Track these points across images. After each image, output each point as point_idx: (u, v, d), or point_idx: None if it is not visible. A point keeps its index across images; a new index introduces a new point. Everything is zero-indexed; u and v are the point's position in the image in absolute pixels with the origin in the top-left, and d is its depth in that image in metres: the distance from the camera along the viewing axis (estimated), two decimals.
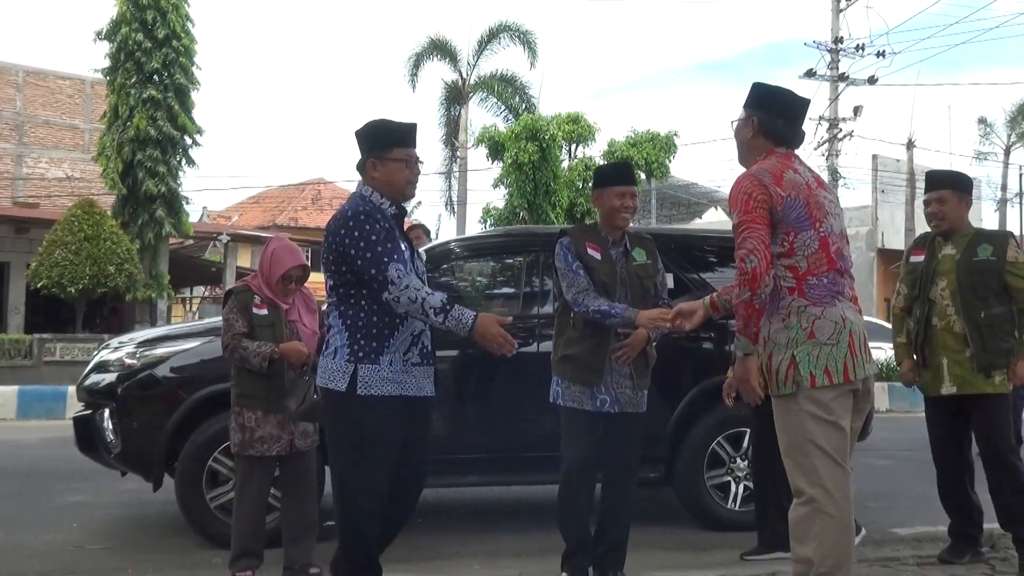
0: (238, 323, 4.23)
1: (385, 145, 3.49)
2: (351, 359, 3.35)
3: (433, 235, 8.13)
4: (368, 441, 3.36)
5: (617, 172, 4.30)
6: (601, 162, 20.63)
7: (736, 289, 3.09)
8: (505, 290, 6.06)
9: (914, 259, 4.57)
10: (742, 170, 3.29)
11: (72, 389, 11.68)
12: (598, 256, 4.01)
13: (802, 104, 3.40)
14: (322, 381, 3.42)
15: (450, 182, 27.48)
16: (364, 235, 3.33)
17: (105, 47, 20.05)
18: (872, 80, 23.60)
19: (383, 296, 3.30)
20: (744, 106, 3.37)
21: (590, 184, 21.50)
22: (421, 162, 3.59)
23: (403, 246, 3.42)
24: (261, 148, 79.98)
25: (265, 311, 4.27)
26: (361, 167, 3.53)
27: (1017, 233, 24.60)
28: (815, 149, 23.52)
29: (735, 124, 3.41)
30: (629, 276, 4.04)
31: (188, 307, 32.28)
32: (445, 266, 5.57)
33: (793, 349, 3.10)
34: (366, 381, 3.34)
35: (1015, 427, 4.50)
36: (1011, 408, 4.40)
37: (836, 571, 3.05)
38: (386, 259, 3.31)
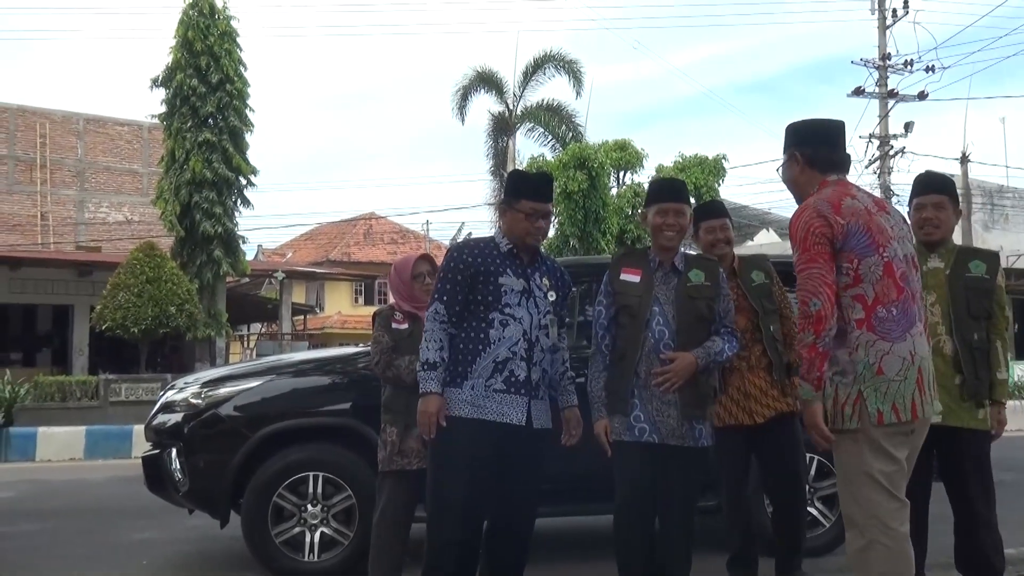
0: (384, 339, 4.35)
1: (514, 194, 3.82)
2: (444, 383, 3.67)
3: None
4: (447, 458, 3.64)
5: (661, 189, 4.12)
6: None
7: (800, 333, 3.06)
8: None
9: None
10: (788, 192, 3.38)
11: (137, 428, 11.99)
12: (635, 279, 3.86)
13: (837, 126, 3.36)
14: None
15: None
16: (440, 270, 3.81)
17: (161, 93, 20.58)
18: (922, 95, 23.36)
19: None
20: (783, 150, 3.38)
21: (639, 210, 21.89)
22: (551, 216, 3.89)
23: (518, 280, 3.73)
24: (313, 185, 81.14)
25: (405, 325, 4.39)
26: (499, 208, 3.98)
27: None
28: (866, 167, 23.32)
29: (781, 169, 3.40)
30: (678, 297, 3.82)
31: (245, 344, 32.78)
32: None
33: (860, 385, 3.04)
34: (448, 403, 3.64)
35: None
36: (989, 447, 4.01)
37: None
38: (436, 295, 3.74)
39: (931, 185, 4.11)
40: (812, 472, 5.19)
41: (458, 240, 36.55)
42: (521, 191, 3.81)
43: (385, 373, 4.31)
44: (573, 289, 5.32)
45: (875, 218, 3.15)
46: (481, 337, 3.67)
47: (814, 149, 3.28)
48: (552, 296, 3.82)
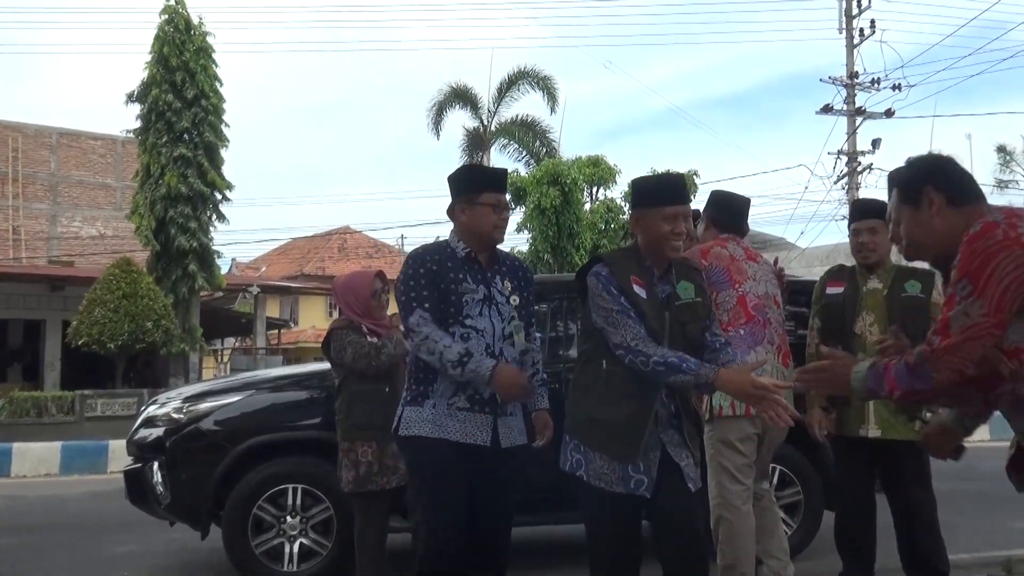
0: (360, 339, 4.33)
1: (476, 189, 3.50)
2: (403, 403, 3.49)
3: None
4: (420, 478, 3.44)
5: (666, 188, 3.22)
6: (623, 204, 20.78)
7: None
8: None
9: (831, 290, 4.34)
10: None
11: (113, 444, 12.02)
12: (643, 293, 3.10)
13: (743, 201, 4.40)
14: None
15: None
16: (404, 279, 3.43)
17: (136, 108, 20.66)
18: (889, 113, 23.77)
19: (409, 342, 3.46)
20: (703, 211, 4.39)
21: (613, 225, 22.09)
22: (511, 208, 3.71)
23: (478, 288, 3.44)
24: (287, 199, 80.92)
25: (374, 339, 4.39)
26: (451, 211, 3.56)
27: None
28: (835, 183, 23.69)
29: (698, 227, 4.37)
30: (670, 321, 3.13)
31: (219, 359, 32.69)
32: None
33: None
34: (407, 422, 3.42)
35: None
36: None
37: (735, 566, 3.87)
38: (413, 304, 3.37)
39: (866, 211, 4.31)
40: (775, 480, 5.38)
41: None
42: (483, 183, 3.54)
43: (380, 359, 4.27)
44: (543, 306, 5.44)
45: (736, 263, 4.09)
46: None
47: (717, 214, 4.31)
48: (516, 300, 3.53)
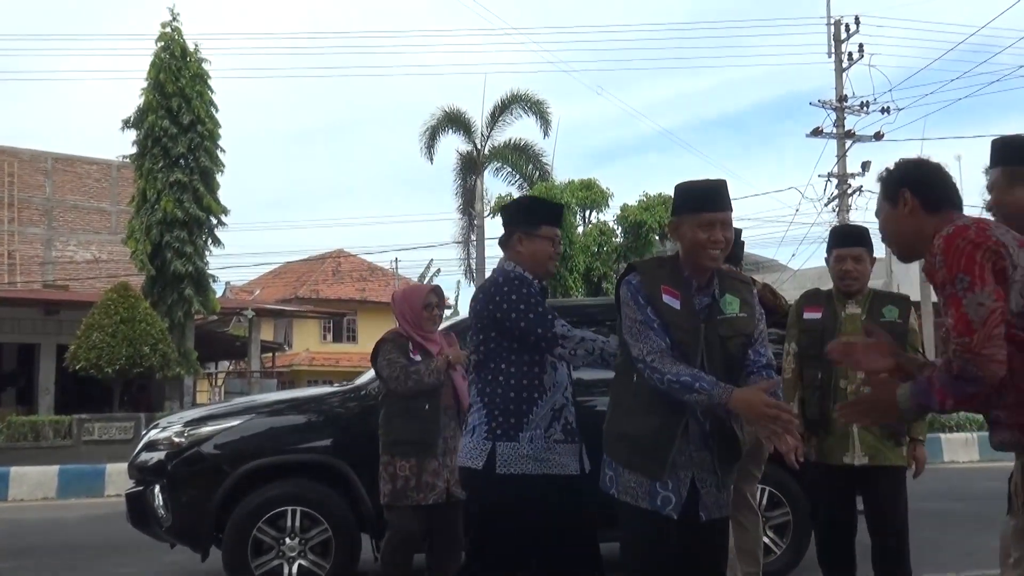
0: (402, 359, 4.44)
1: (535, 221, 3.54)
2: (489, 436, 3.32)
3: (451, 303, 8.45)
4: (509, 521, 3.30)
5: (703, 193, 3.00)
6: (615, 227, 20.92)
7: None
8: None
9: (809, 315, 4.28)
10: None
11: (111, 467, 12.08)
12: (676, 305, 2.91)
13: (736, 230, 4.69)
14: (461, 459, 3.45)
15: (468, 251, 27.98)
16: (523, 297, 3.36)
17: (132, 134, 20.84)
18: (878, 136, 23.98)
19: (556, 352, 3.33)
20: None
21: (605, 248, 22.20)
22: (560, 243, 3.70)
23: None
24: (282, 223, 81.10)
25: (419, 357, 4.48)
26: (505, 241, 3.57)
27: None
28: (825, 205, 23.90)
29: None
30: (709, 336, 2.93)
31: (213, 382, 32.69)
32: None
33: None
34: (505, 459, 3.28)
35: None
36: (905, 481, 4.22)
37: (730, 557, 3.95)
38: (550, 316, 3.33)
39: (850, 238, 4.25)
40: (764, 502, 5.48)
41: (427, 277, 36.53)
42: (542, 217, 3.58)
43: (407, 383, 4.35)
44: None
45: None
46: (536, 384, 3.36)
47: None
48: None
